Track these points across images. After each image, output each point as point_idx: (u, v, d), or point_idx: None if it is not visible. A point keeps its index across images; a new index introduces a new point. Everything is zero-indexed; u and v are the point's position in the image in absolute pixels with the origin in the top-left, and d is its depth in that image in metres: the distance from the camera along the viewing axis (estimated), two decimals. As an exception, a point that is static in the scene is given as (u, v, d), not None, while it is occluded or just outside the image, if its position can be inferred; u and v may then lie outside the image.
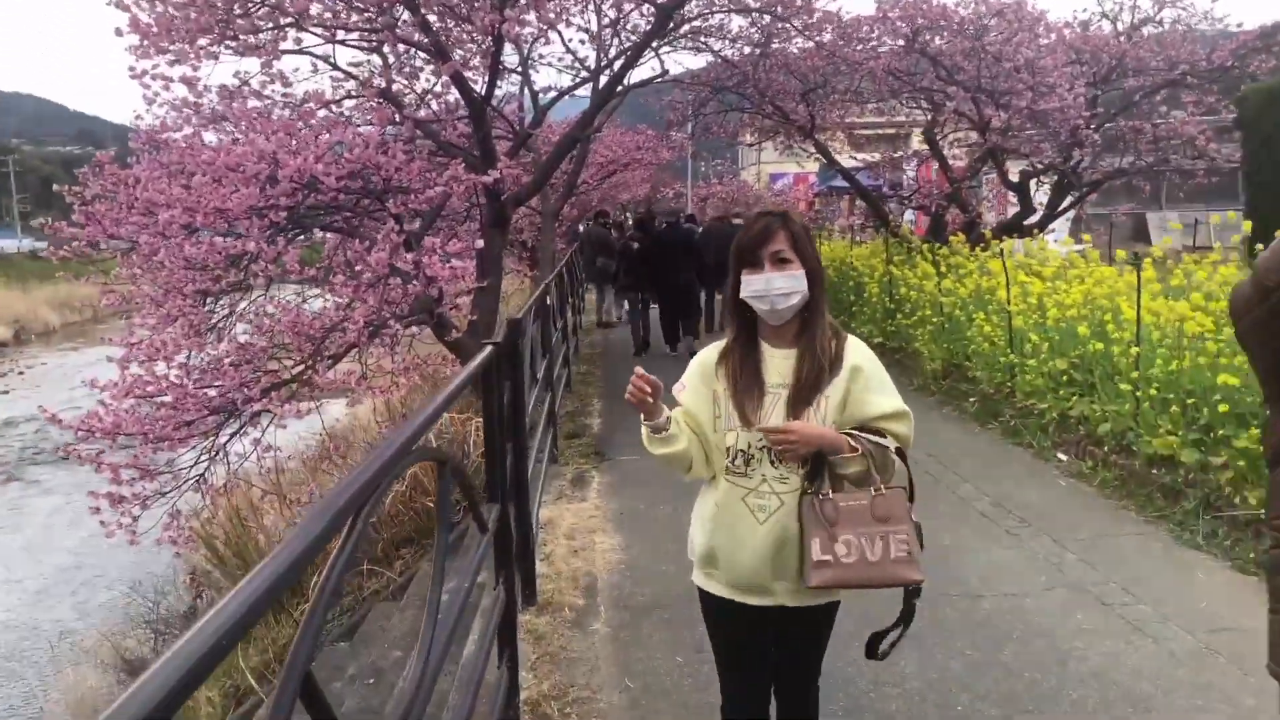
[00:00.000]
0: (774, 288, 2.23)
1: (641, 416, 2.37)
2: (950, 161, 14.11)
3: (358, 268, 6.57)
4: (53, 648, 9.50)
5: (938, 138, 13.75)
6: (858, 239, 15.73)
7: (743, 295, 2.29)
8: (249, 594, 1.09)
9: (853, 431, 2.21)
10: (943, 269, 10.35)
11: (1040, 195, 13.51)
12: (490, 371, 3.15)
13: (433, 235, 7.05)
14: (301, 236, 7.05)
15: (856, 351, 2.30)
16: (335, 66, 8.47)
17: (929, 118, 13.57)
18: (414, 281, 6.39)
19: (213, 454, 7.82)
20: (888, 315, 11.45)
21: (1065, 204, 12.90)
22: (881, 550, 2.14)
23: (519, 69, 10.13)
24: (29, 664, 9.50)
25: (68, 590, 11.25)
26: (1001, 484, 6.12)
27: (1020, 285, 8.18)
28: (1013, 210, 14.81)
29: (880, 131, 17.44)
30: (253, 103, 7.75)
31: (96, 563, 11.26)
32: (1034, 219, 13.01)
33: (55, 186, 9.21)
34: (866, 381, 2.25)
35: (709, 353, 2.44)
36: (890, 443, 2.22)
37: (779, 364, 2.29)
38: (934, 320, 9.64)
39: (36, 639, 10.08)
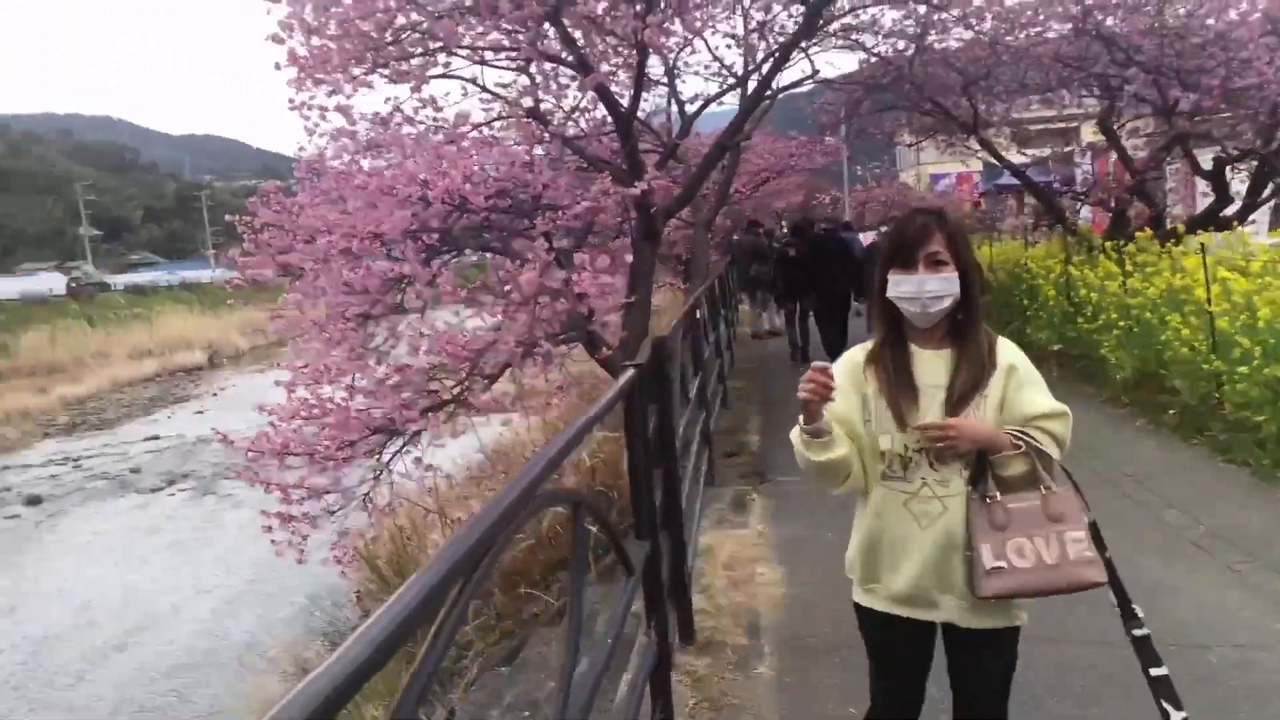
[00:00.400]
0: (926, 290, 2.14)
1: (800, 420, 2.25)
2: (1130, 153, 13.06)
3: (507, 287, 6.51)
4: (240, 658, 9.91)
5: (1114, 127, 12.76)
6: (1031, 239, 14.78)
7: (892, 295, 2.20)
8: (309, 695, 0.87)
9: (1013, 429, 2.12)
10: (1128, 268, 9.51)
11: (1236, 184, 12.31)
12: (633, 396, 2.91)
13: (582, 252, 6.91)
14: (455, 258, 7.05)
15: (1009, 351, 2.22)
16: (484, 89, 8.51)
17: (1104, 106, 12.60)
18: (562, 299, 6.26)
19: (377, 474, 7.95)
20: (1067, 319, 10.63)
21: (1267, 192, 11.68)
22: (1059, 551, 2.05)
23: (664, 80, 9.95)
24: (218, 670, 9.94)
25: (254, 601, 11.75)
26: (1216, 509, 5.43)
27: (1221, 283, 7.37)
28: (1204, 202, 13.62)
29: (1049, 126, 16.41)
30: (406, 129, 7.87)
31: (280, 576, 11.66)
32: (1231, 210, 11.86)
33: (226, 217, 9.65)
34: (1022, 380, 2.17)
35: (855, 354, 2.34)
36: (1052, 448, 2.12)
37: (930, 364, 2.21)
38: (1121, 324, 8.84)
39: (226, 647, 10.56)
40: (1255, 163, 11.46)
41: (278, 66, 8.07)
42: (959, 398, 2.13)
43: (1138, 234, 11.62)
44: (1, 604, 12.75)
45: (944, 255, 2.15)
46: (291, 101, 8.10)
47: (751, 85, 10.04)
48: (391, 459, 7.87)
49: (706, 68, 11.91)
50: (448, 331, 6.65)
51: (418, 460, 7.76)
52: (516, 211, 6.75)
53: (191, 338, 43.97)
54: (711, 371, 8.37)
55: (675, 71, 10.97)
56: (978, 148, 15.18)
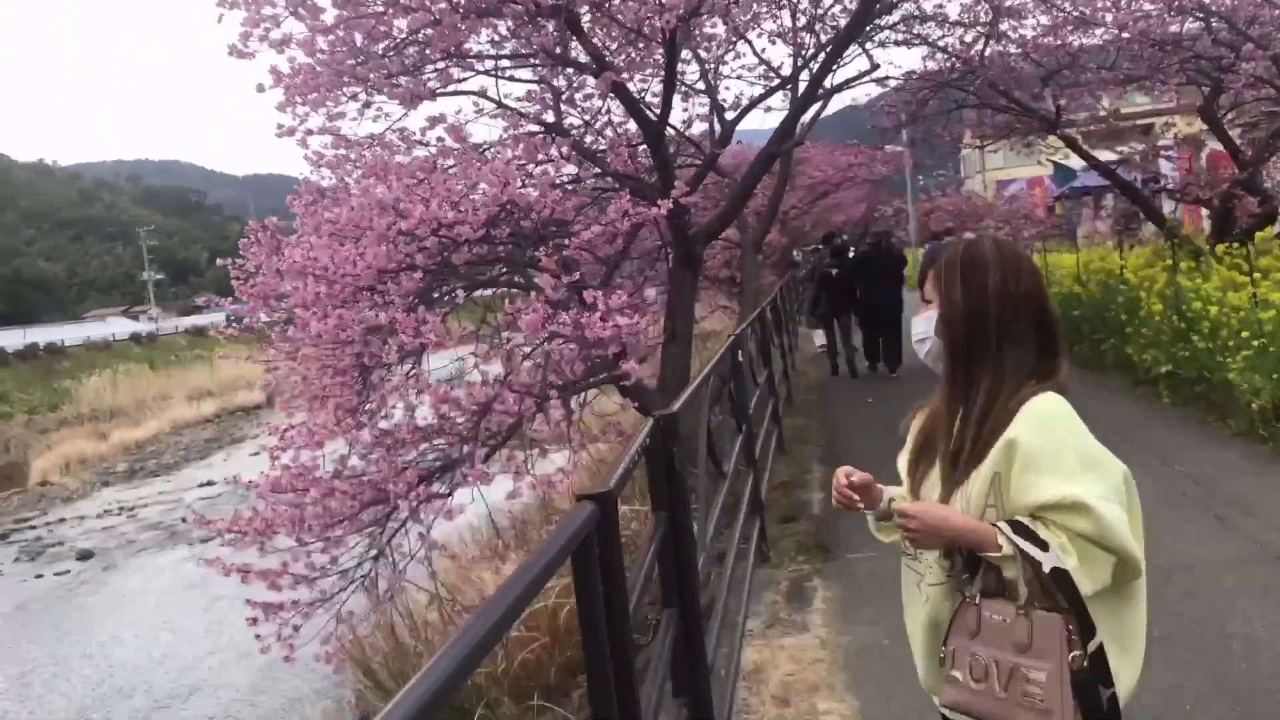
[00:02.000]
0: (913, 331, 1.96)
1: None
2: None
3: (505, 334, 5.39)
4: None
5: (1219, 115, 11.26)
6: (1127, 244, 13.25)
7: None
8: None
9: (1002, 525, 1.67)
10: (1254, 274, 8.06)
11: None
12: (589, 544, 1.72)
13: (596, 288, 5.77)
14: (455, 297, 5.95)
15: (1026, 418, 1.70)
16: (499, 104, 7.44)
17: (1207, 93, 11.12)
18: (571, 345, 5.12)
19: (376, 552, 6.88)
20: (1178, 337, 9.15)
21: None
22: (1008, 686, 1.66)
23: (700, 84, 8.78)
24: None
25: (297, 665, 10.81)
26: None
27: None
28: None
29: (1126, 124, 14.83)
30: (419, 152, 6.86)
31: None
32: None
33: (218, 261, 8.74)
34: (1025, 459, 1.67)
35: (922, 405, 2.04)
36: (1063, 553, 1.61)
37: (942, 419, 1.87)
38: (1254, 342, 7.39)
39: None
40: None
41: (260, 89, 7.17)
42: (947, 474, 1.81)
43: (1257, 234, 10.13)
44: (31, 671, 12.15)
45: (929, 293, 1.88)
46: (280, 127, 7.17)
47: (802, 86, 8.84)
48: (391, 537, 6.79)
49: (750, 70, 10.69)
50: (442, 387, 5.54)
51: (422, 536, 6.67)
52: (518, 240, 5.63)
53: (250, 377, 43.91)
54: (762, 420, 7.14)
55: (715, 76, 9.81)
56: (1054, 148, 13.77)
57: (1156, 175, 14.33)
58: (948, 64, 11.06)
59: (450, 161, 5.76)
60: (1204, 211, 14.45)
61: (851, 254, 13.49)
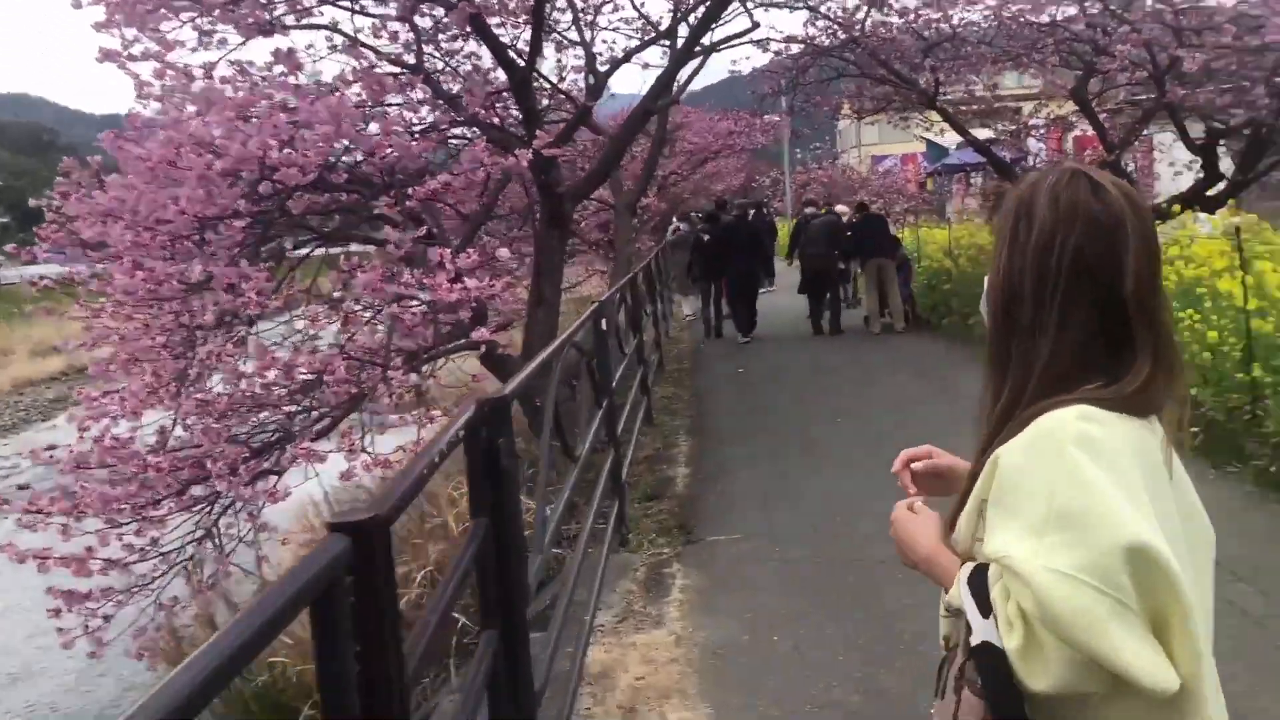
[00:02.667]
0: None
1: None
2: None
3: (337, 293, 4.82)
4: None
5: (1088, 98, 11.36)
6: (993, 220, 13.37)
7: None
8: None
9: (965, 569, 1.22)
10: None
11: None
12: (330, 596, 1.26)
13: (457, 247, 5.23)
14: (274, 254, 5.31)
15: (1026, 435, 1.18)
16: (354, 40, 6.75)
17: (1078, 75, 11.20)
18: (415, 310, 4.59)
19: (203, 535, 6.21)
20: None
21: (1261, 168, 10.37)
22: None
23: (573, 32, 8.25)
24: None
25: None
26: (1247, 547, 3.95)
27: (1256, 275, 5.98)
28: (1172, 183, 12.35)
29: (1009, 103, 14.99)
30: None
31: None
32: (1218, 189, 10.56)
33: (31, 201, 7.79)
34: (999, 489, 1.19)
35: None
36: (985, 627, 1.14)
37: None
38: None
39: (94, 705, 8.76)
40: (1249, 135, 10.13)
41: (77, 4, 6.35)
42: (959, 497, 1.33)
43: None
44: None
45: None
46: (102, 51, 6.35)
47: (680, 42, 8.40)
48: (219, 516, 6.14)
49: (629, 24, 10.19)
50: (268, 353, 4.92)
51: (251, 516, 6.06)
52: (359, 188, 5.03)
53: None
54: (629, 393, 6.76)
55: (593, 29, 9.28)
56: (930, 123, 13.77)
57: (1026, 154, 14.53)
58: (829, 30, 10.82)
59: (284, 96, 5.09)
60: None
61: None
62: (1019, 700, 1.11)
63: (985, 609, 1.15)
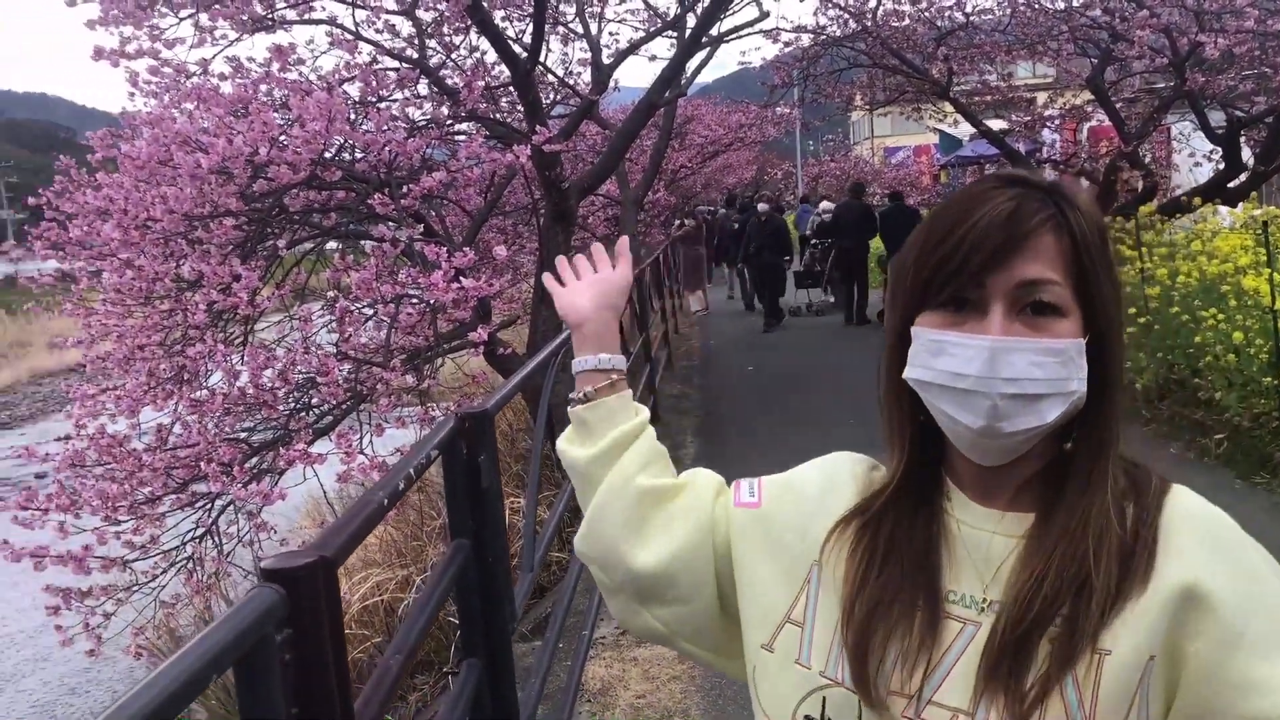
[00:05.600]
0: (1000, 372, 0.85)
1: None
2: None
3: (331, 294, 4.70)
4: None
5: (1105, 87, 11.14)
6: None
7: (912, 378, 0.91)
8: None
9: None
10: (1140, 249, 7.92)
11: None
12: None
13: (460, 244, 5.11)
14: (268, 253, 5.19)
15: (1192, 539, 0.85)
16: (355, 35, 6.62)
17: (1095, 64, 10.98)
18: (407, 310, 4.46)
19: (203, 533, 6.13)
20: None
21: (1284, 159, 10.11)
22: None
23: (577, 24, 8.09)
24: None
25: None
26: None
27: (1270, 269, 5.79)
28: (1190, 175, 12.12)
29: (1023, 94, 14.78)
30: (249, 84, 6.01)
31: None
32: (1240, 180, 10.32)
33: (30, 200, 7.70)
34: (1230, 627, 0.79)
35: (836, 468, 1.11)
36: None
37: (983, 547, 0.91)
38: (1139, 320, 7.21)
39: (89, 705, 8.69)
40: (1273, 123, 9.89)
41: (72, 2, 6.25)
42: (1020, 651, 0.83)
43: (1141, 207, 10.08)
44: None
45: (1057, 289, 0.86)
46: (96, 48, 6.26)
47: (688, 32, 8.24)
48: (219, 514, 6.05)
49: (635, 15, 9.99)
50: (262, 353, 4.81)
51: (250, 515, 5.95)
52: (355, 186, 4.91)
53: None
54: (636, 390, 6.62)
55: (599, 20, 9.12)
56: (943, 114, 13.56)
57: (1040, 145, 14.31)
58: (840, 20, 10.63)
59: (281, 92, 4.97)
60: (1084, 183, 14.52)
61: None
62: None
63: None
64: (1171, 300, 7.00)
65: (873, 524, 0.96)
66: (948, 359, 0.87)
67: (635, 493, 1.07)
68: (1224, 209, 10.22)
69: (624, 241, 1.30)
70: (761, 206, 14.63)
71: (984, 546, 0.91)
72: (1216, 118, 10.44)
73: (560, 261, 1.30)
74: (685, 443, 7.19)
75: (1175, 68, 9.13)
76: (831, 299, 14.67)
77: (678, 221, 17.12)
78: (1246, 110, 9.83)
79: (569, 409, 1.15)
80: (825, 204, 15.63)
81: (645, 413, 1.16)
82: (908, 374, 0.91)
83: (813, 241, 14.65)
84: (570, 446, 1.13)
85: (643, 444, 1.12)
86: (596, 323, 1.18)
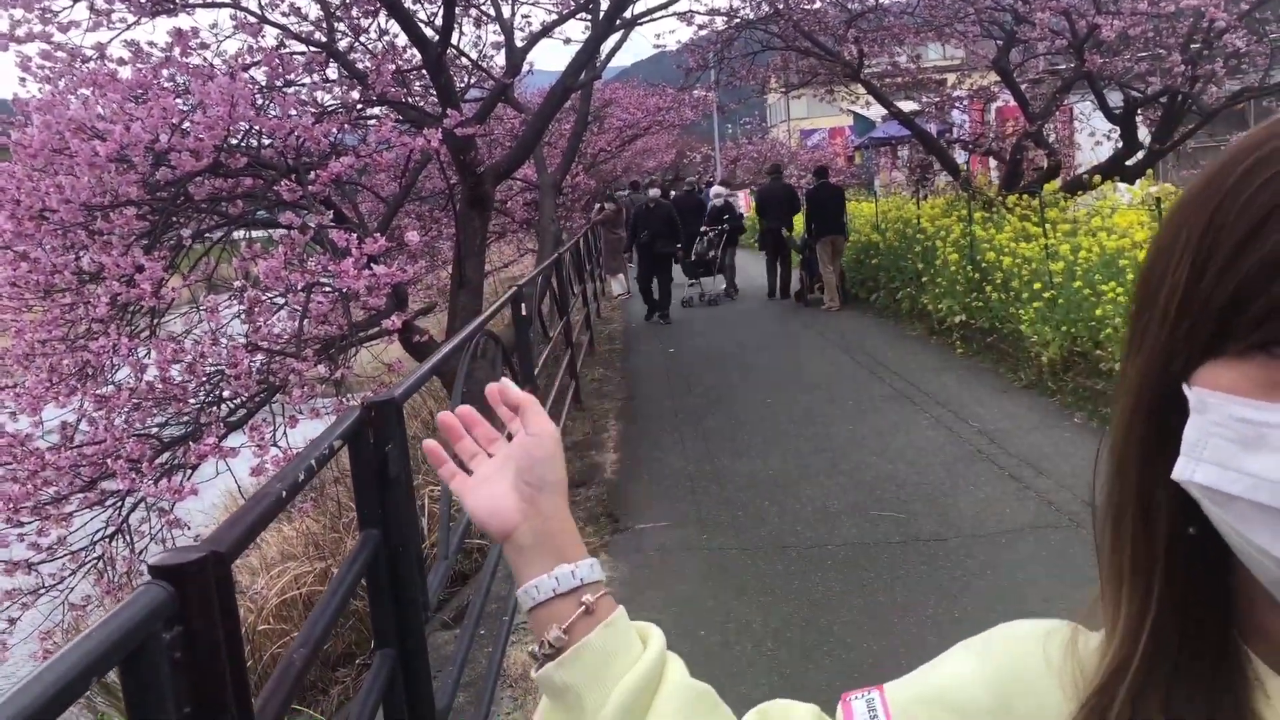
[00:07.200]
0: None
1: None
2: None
3: (237, 283, 4.59)
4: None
5: (1010, 68, 11.44)
6: (923, 194, 13.47)
7: (1203, 484, 0.47)
8: None
9: None
10: (1044, 225, 8.16)
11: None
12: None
13: (375, 230, 5.02)
14: (171, 243, 5.04)
15: None
16: (261, 18, 6.44)
17: (1000, 46, 11.26)
18: (318, 299, 4.39)
19: (114, 532, 5.95)
20: (971, 287, 9.25)
21: (1177, 137, 10.53)
22: None
23: (489, 6, 8.00)
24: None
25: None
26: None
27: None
28: (1090, 153, 12.53)
29: (932, 76, 15.06)
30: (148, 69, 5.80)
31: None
32: (1137, 158, 10.71)
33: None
34: None
35: (1011, 656, 0.63)
36: None
37: None
38: (1045, 294, 7.45)
39: None
40: (1165, 103, 10.28)
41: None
42: None
43: (1046, 185, 10.40)
44: None
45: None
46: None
47: (602, 13, 8.21)
48: (130, 512, 5.88)
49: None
50: (170, 346, 4.67)
51: (162, 512, 5.80)
52: (260, 173, 4.79)
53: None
54: (556, 375, 6.62)
55: (513, 2, 9.03)
56: (855, 96, 13.77)
57: (950, 126, 14.62)
58: (753, 3, 10.71)
59: (183, 77, 4.82)
60: (992, 163, 14.92)
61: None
62: None
63: None
64: (1074, 275, 7.24)
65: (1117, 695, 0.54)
66: (1275, 455, 0.46)
67: None
68: (1123, 186, 10.61)
69: (529, 398, 0.80)
70: (652, 192, 14.35)
71: None
72: (1115, 98, 10.81)
73: (443, 420, 0.82)
74: (607, 426, 7.21)
75: (1075, 49, 9.43)
76: (724, 288, 14.38)
77: (598, 205, 17.07)
78: (1142, 91, 10.18)
79: (533, 674, 0.76)
80: (716, 189, 15.68)
81: (657, 639, 0.80)
82: (1187, 475, 0.50)
83: (702, 229, 14.12)
84: None
85: (671, 696, 0.73)
86: (536, 521, 0.79)
